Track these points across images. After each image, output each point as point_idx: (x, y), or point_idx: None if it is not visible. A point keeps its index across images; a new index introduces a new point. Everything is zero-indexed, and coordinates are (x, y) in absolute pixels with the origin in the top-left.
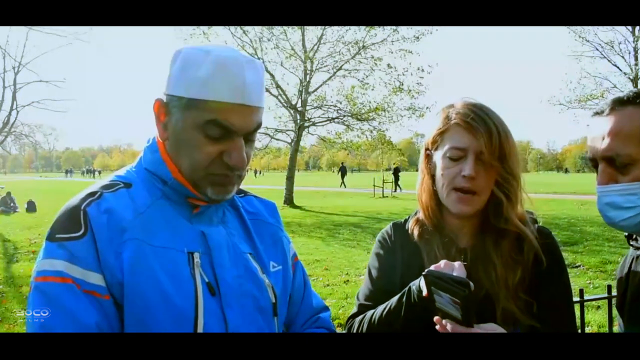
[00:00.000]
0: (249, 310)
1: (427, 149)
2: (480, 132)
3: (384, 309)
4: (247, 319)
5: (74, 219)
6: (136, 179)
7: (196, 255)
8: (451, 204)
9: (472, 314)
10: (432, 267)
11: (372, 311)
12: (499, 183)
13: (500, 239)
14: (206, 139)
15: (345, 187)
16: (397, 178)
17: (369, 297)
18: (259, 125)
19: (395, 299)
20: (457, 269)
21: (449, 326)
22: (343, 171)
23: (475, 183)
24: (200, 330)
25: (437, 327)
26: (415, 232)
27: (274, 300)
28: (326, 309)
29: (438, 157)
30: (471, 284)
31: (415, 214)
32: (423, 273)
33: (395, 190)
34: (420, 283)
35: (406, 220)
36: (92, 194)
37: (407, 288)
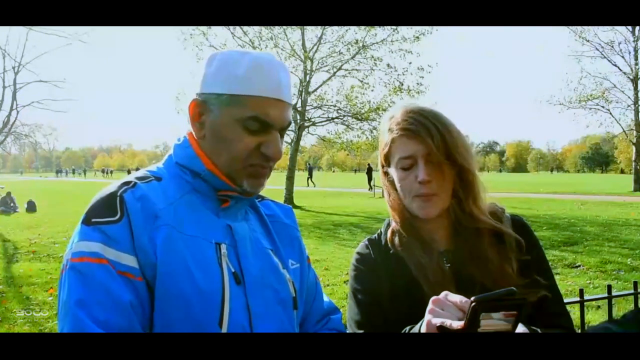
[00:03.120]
0: (270, 301)
1: (382, 166)
2: (422, 136)
3: None
4: (269, 309)
5: (111, 204)
6: (166, 174)
7: (223, 246)
8: (416, 210)
9: (522, 315)
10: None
11: None
12: (455, 180)
13: (479, 235)
14: (245, 132)
15: (314, 185)
16: (370, 178)
17: (362, 324)
18: (290, 123)
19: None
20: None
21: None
22: (310, 170)
23: (432, 185)
24: (226, 315)
25: None
26: (396, 242)
27: (294, 294)
28: (337, 310)
29: (392, 170)
30: (514, 288)
31: (388, 225)
32: (472, 304)
33: (370, 189)
34: (432, 325)
35: (380, 235)
36: (127, 182)
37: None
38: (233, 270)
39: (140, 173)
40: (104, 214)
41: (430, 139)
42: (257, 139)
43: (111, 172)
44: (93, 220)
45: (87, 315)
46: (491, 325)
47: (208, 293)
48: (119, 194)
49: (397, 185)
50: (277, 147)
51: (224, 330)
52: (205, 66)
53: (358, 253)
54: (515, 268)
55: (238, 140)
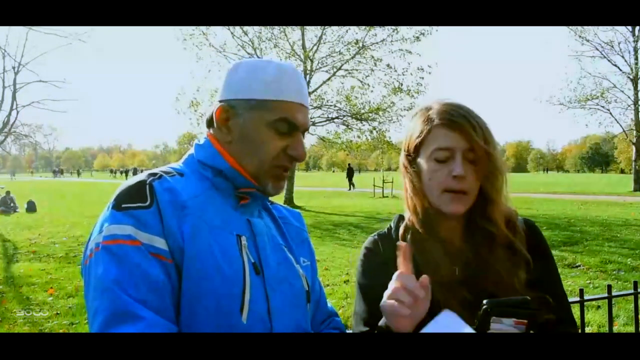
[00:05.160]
0: (287, 294)
1: (408, 155)
2: (465, 130)
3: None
4: (286, 301)
5: (141, 191)
6: (187, 171)
7: (243, 238)
8: (443, 205)
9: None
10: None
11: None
12: (485, 181)
13: (492, 238)
14: (275, 134)
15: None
16: (350, 178)
17: (367, 320)
18: (309, 127)
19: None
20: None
21: None
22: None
23: (466, 182)
24: (246, 303)
25: None
26: (408, 239)
27: (307, 288)
28: (337, 315)
29: (422, 160)
30: (528, 297)
31: (399, 220)
32: (483, 306)
33: (350, 189)
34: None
35: (390, 229)
36: (154, 174)
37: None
38: (253, 261)
39: (164, 168)
40: (134, 199)
41: (473, 134)
42: (284, 141)
43: (119, 172)
44: (124, 205)
45: (125, 293)
46: (500, 331)
47: (231, 280)
48: (148, 182)
49: (426, 177)
50: (302, 148)
51: (244, 317)
52: (230, 74)
53: (366, 247)
54: (523, 279)
55: (268, 142)
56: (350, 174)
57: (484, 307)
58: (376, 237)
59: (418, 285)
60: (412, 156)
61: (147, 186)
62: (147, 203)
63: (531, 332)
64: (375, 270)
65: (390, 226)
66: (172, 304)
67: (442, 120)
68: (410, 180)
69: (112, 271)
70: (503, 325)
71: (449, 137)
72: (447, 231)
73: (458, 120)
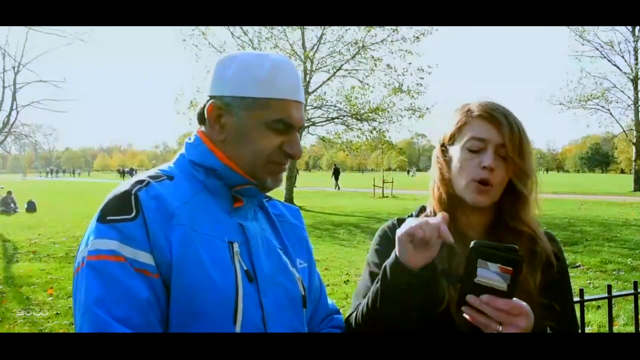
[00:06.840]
0: (282, 300)
1: (442, 145)
2: (503, 125)
3: (367, 301)
4: (281, 307)
5: (126, 202)
6: (178, 173)
7: (235, 245)
8: (468, 194)
9: (518, 282)
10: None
11: (359, 307)
12: (515, 180)
13: (514, 238)
14: (271, 132)
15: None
16: (336, 177)
17: (365, 295)
18: (304, 122)
19: (373, 286)
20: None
21: (486, 299)
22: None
23: (494, 175)
24: (240, 312)
25: (465, 309)
26: None
27: (303, 293)
28: (339, 312)
29: (455, 150)
30: (516, 246)
31: (420, 210)
32: (471, 245)
33: (335, 188)
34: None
35: (410, 217)
36: (140, 181)
37: (381, 270)
38: (245, 269)
39: (152, 172)
40: (119, 211)
41: (510, 131)
42: (280, 138)
43: (125, 172)
44: (108, 218)
45: (106, 312)
46: (487, 279)
47: (223, 290)
48: (133, 192)
49: (457, 165)
50: (298, 146)
51: (238, 327)
52: (222, 69)
53: (383, 229)
54: (538, 281)
55: (264, 140)
56: (336, 174)
57: (471, 246)
58: (395, 221)
59: (439, 223)
60: (446, 146)
61: (132, 196)
62: (132, 215)
63: (514, 283)
64: (385, 251)
65: (412, 214)
66: (158, 320)
67: (483, 112)
68: (440, 169)
69: (94, 290)
70: (488, 272)
71: (486, 128)
72: (469, 223)
73: (497, 115)
